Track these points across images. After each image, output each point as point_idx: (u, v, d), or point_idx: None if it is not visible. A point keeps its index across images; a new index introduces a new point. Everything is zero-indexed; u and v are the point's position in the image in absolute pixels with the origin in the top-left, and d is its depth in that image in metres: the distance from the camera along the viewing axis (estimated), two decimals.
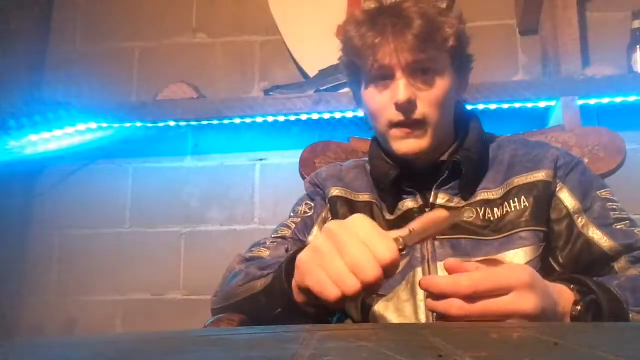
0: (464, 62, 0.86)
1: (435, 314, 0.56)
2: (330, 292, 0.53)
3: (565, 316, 0.57)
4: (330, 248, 0.54)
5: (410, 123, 0.79)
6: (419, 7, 0.78)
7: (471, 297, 0.52)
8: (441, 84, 0.80)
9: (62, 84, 1.80)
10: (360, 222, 0.55)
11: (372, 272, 0.51)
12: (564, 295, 0.58)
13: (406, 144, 0.80)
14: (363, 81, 0.84)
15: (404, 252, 0.55)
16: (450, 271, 0.55)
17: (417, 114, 0.78)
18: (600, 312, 0.57)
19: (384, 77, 0.80)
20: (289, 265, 0.64)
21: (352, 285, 0.52)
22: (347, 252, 0.53)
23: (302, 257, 0.58)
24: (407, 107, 0.78)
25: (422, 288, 0.56)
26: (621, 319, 0.58)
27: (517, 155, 0.85)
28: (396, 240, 0.54)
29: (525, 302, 0.52)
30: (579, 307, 0.57)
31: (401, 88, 0.77)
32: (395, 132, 0.80)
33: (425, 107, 0.78)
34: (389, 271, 0.53)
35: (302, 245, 0.76)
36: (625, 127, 1.52)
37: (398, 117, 0.79)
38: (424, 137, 0.80)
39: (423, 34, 0.76)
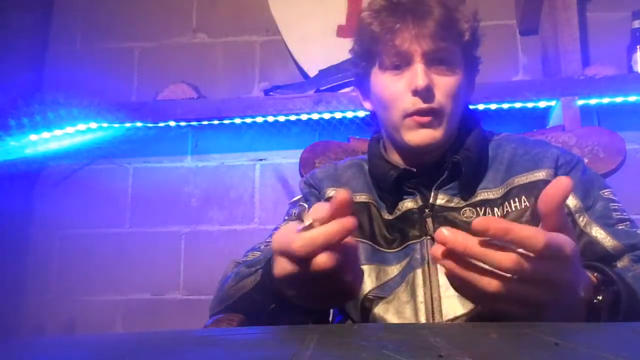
0: (474, 62, 0.85)
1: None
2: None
3: (583, 302, 0.54)
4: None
5: (426, 111, 0.78)
6: None
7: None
8: (456, 77, 0.79)
9: (62, 84, 1.80)
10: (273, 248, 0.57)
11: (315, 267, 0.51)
12: (587, 279, 0.55)
13: (420, 135, 0.79)
14: (377, 69, 0.83)
15: (309, 223, 0.52)
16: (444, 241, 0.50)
17: (435, 103, 0.77)
18: (618, 304, 0.55)
19: (400, 64, 0.79)
20: None
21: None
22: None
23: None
24: (425, 94, 0.77)
25: (475, 228, 0.48)
26: (635, 311, 0.57)
27: (517, 154, 0.85)
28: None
29: (560, 271, 0.49)
30: (600, 297, 0.55)
31: (420, 73, 0.76)
32: (409, 121, 0.79)
33: (441, 97, 0.78)
34: (320, 243, 0.51)
35: None
36: (625, 127, 1.52)
37: (415, 105, 0.77)
38: (438, 128, 0.79)
39: (443, 23, 0.76)
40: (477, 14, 0.82)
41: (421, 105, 0.77)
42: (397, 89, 0.79)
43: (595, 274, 0.57)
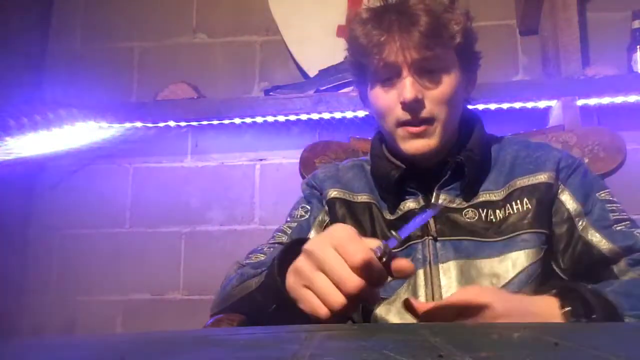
0: (472, 60, 0.84)
1: None
2: (321, 311, 0.53)
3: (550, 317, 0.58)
4: (309, 266, 0.54)
5: (418, 122, 0.78)
6: (424, 4, 0.77)
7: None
8: (449, 82, 0.79)
9: (62, 84, 1.80)
10: (333, 231, 0.55)
11: (351, 283, 0.50)
12: (549, 309, 0.60)
13: (414, 144, 0.79)
14: (369, 81, 0.83)
15: (384, 259, 0.52)
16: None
17: (425, 113, 0.77)
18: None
19: (390, 76, 0.79)
20: (281, 260, 0.64)
21: (337, 300, 0.51)
22: (325, 266, 0.52)
23: (288, 282, 0.58)
24: (413, 106, 0.77)
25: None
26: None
27: (519, 156, 0.85)
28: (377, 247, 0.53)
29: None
30: (574, 319, 0.58)
31: (407, 86, 0.76)
32: (402, 131, 0.79)
33: (432, 106, 0.78)
34: (372, 275, 0.51)
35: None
36: (625, 127, 1.52)
37: (405, 116, 0.78)
38: (432, 137, 0.79)
39: (429, 31, 0.75)
40: (468, 12, 0.81)
41: (410, 117, 0.78)
42: (388, 101, 0.80)
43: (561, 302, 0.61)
